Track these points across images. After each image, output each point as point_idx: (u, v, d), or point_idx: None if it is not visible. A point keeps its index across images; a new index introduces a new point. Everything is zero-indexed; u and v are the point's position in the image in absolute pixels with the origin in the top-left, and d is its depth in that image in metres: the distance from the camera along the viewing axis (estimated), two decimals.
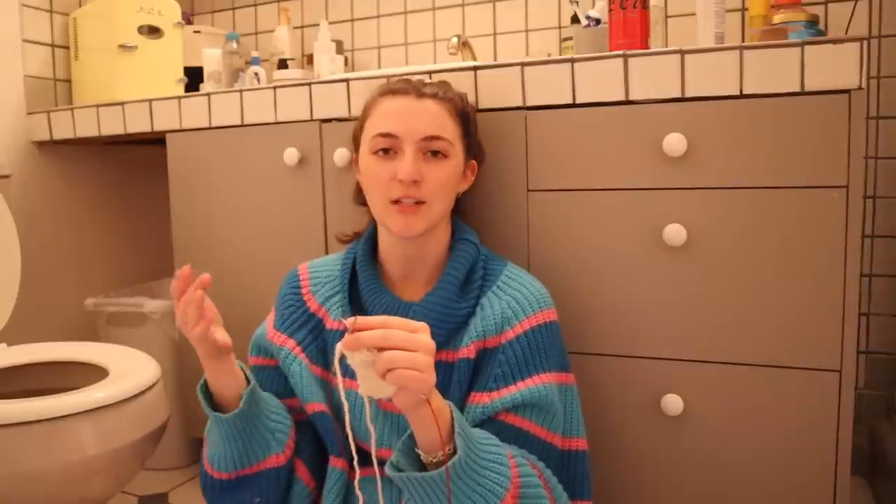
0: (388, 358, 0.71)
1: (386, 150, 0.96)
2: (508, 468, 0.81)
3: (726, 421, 1.08)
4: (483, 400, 0.91)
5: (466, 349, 0.93)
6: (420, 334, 0.73)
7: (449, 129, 0.98)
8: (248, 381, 0.92)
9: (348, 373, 0.78)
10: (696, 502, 1.11)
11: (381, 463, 0.81)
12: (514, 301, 0.96)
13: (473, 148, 1.06)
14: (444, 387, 0.93)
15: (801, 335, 1.03)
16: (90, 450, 1.07)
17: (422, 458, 0.80)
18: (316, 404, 0.95)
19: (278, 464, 0.93)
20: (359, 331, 0.72)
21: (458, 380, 0.93)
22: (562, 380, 0.97)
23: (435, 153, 0.96)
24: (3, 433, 1.02)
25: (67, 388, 1.12)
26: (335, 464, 0.95)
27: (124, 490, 1.61)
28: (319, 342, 1.00)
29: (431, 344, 0.74)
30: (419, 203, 0.95)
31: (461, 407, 0.92)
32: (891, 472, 1.35)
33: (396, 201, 0.95)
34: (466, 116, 1.02)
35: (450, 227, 1.04)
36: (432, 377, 0.73)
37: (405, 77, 1.03)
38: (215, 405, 0.92)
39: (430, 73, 1.21)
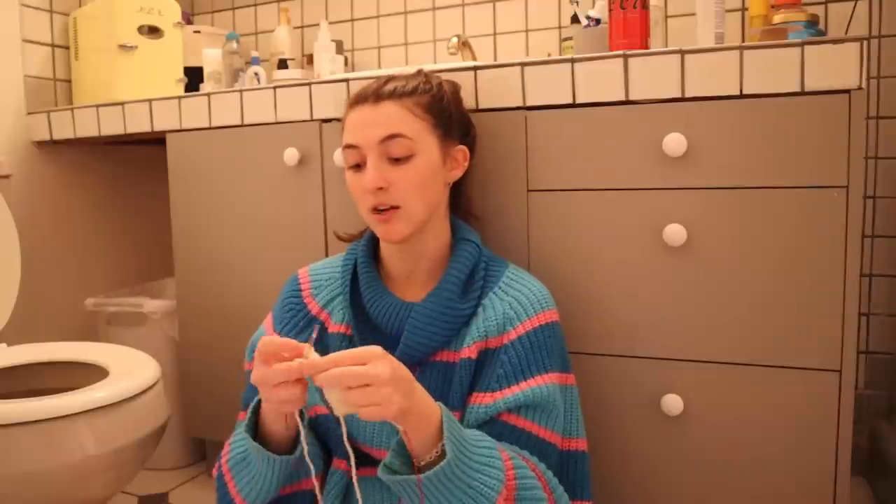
0: (349, 398, 0.73)
1: (357, 163, 0.97)
2: (502, 470, 0.81)
3: (726, 421, 1.08)
4: (485, 400, 0.91)
5: (468, 349, 0.93)
6: (372, 364, 0.74)
7: (410, 125, 0.96)
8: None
9: None
10: (695, 502, 1.11)
11: (378, 463, 0.82)
12: (517, 301, 0.96)
13: (457, 132, 1.03)
14: (445, 386, 0.94)
15: (801, 335, 1.03)
16: (90, 450, 1.07)
17: (414, 460, 0.81)
18: (318, 407, 0.95)
19: (314, 486, 0.92)
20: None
21: (459, 380, 0.93)
22: (563, 380, 0.97)
23: (399, 156, 0.95)
24: (3, 433, 1.02)
25: (67, 388, 1.12)
26: (338, 465, 0.95)
27: (124, 490, 1.61)
28: (321, 345, 1.00)
29: (384, 372, 0.73)
30: (394, 208, 0.95)
31: (463, 407, 0.92)
32: (891, 472, 1.35)
33: (375, 210, 0.96)
34: (438, 104, 0.99)
35: (448, 223, 1.04)
36: (391, 407, 0.73)
37: (377, 77, 1.01)
38: (255, 436, 0.88)
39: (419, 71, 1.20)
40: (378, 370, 0.73)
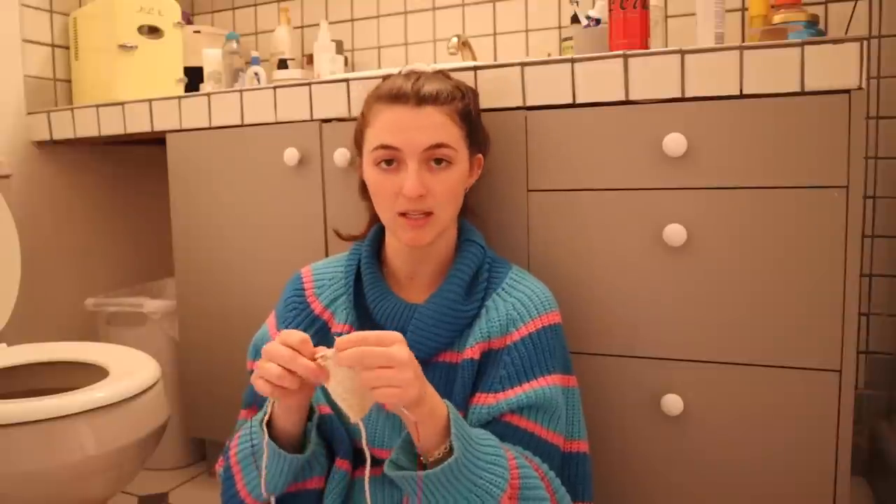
0: (368, 379, 0.74)
1: (389, 162, 0.94)
2: (507, 469, 0.81)
3: (726, 421, 1.08)
4: (488, 401, 0.91)
5: (471, 350, 0.93)
6: (395, 348, 0.75)
7: (452, 135, 0.95)
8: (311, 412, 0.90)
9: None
10: (695, 502, 1.11)
11: (383, 462, 0.82)
12: (520, 303, 0.96)
13: (478, 141, 1.04)
14: (447, 387, 0.94)
15: (801, 335, 1.03)
16: (90, 450, 1.07)
17: (421, 457, 0.81)
18: (322, 406, 0.95)
19: (319, 485, 0.93)
20: (341, 349, 0.75)
21: (461, 381, 0.93)
22: (565, 382, 0.97)
23: (439, 161, 0.94)
24: (3, 433, 1.02)
25: (67, 388, 1.12)
26: (340, 465, 0.95)
27: (124, 490, 1.61)
28: (324, 344, 1.00)
29: (407, 357, 0.75)
30: (427, 214, 0.94)
31: (465, 408, 0.92)
32: (891, 472, 1.35)
33: (403, 213, 0.94)
34: (469, 114, 0.99)
35: (456, 225, 1.04)
36: (411, 390, 0.74)
37: (404, 73, 0.99)
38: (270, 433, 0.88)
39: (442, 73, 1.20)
40: (400, 353, 0.74)
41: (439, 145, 0.94)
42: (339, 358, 0.75)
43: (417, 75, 0.97)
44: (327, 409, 0.95)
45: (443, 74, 1.02)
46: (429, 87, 0.95)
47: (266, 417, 0.86)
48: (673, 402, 1.09)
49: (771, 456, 1.06)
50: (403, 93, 0.94)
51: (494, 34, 1.85)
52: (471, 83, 1.17)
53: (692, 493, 1.11)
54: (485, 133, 1.07)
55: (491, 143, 1.11)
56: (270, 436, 0.87)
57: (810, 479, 1.04)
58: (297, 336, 0.78)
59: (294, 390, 0.78)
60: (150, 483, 1.66)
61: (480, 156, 1.05)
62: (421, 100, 0.94)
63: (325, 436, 0.96)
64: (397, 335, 0.77)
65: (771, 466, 1.07)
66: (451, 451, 0.78)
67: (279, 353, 0.77)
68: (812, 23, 1.12)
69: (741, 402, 1.07)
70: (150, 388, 1.18)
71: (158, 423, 1.18)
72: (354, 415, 0.76)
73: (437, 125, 0.94)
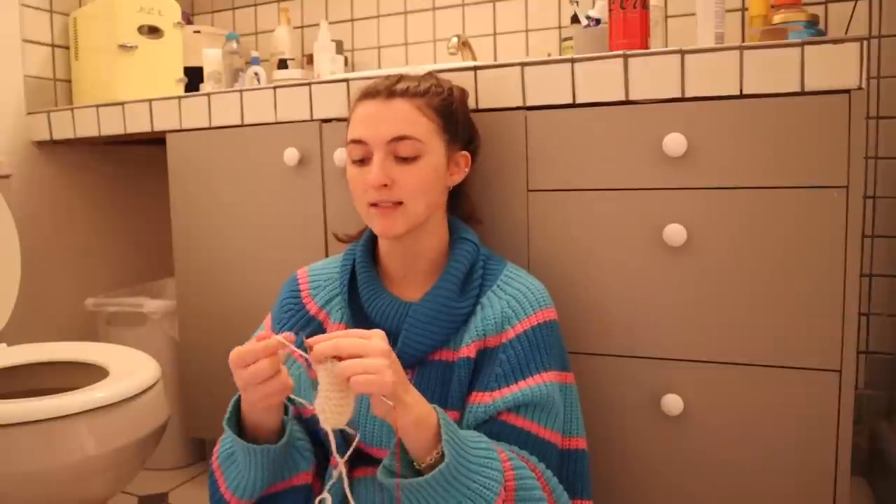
0: (342, 366, 0.74)
1: (361, 158, 0.97)
2: (500, 472, 0.81)
3: (726, 421, 1.08)
4: (484, 400, 0.91)
5: (467, 348, 0.93)
6: (372, 339, 0.76)
7: (420, 126, 0.96)
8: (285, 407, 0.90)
9: None
10: (695, 502, 1.11)
11: (378, 462, 0.83)
12: (515, 300, 0.96)
13: (462, 138, 1.04)
14: (444, 386, 0.94)
15: (801, 335, 1.03)
16: (90, 450, 1.07)
17: (414, 462, 0.81)
18: (306, 410, 0.95)
19: (307, 481, 0.93)
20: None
21: (458, 379, 0.93)
22: (562, 379, 0.97)
23: (406, 156, 0.95)
24: (3, 433, 1.02)
25: (67, 388, 1.12)
26: (335, 464, 0.95)
27: (124, 490, 1.61)
28: None
29: (383, 346, 0.76)
30: (397, 204, 0.95)
31: (462, 407, 0.92)
32: (891, 472, 1.35)
33: (374, 204, 0.96)
34: (448, 108, 1.00)
35: (446, 224, 1.04)
36: (387, 377, 0.74)
37: (379, 76, 1.01)
38: (240, 430, 0.88)
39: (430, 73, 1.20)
40: (375, 343, 0.76)
41: (403, 137, 0.94)
42: (315, 352, 0.75)
43: (400, 76, 1.00)
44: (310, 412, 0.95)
45: (431, 74, 1.04)
46: (402, 84, 0.97)
47: (229, 416, 0.87)
48: (673, 402, 1.09)
49: (771, 456, 1.06)
50: (377, 88, 0.97)
51: (494, 34, 1.85)
52: (471, 83, 1.18)
53: (692, 493, 1.11)
54: (473, 131, 1.08)
55: (481, 141, 1.11)
56: (250, 435, 0.87)
57: (810, 479, 1.04)
58: (247, 356, 0.78)
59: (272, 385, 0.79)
60: (150, 483, 1.66)
61: (466, 153, 1.04)
62: (391, 94, 0.96)
63: (316, 435, 0.96)
64: (377, 331, 0.79)
65: (771, 466, 1.07)
66: (443, 456, 0.78)
67: (261, 371, 0.78)
68: (812, 23, 1.12)
69: (741, 402, 1.07)
70: (150, 388, 1.18)
71: (158, 423, 1.18)
72: (325, 421, 0.76)
73: (403, 117, 0.95)
